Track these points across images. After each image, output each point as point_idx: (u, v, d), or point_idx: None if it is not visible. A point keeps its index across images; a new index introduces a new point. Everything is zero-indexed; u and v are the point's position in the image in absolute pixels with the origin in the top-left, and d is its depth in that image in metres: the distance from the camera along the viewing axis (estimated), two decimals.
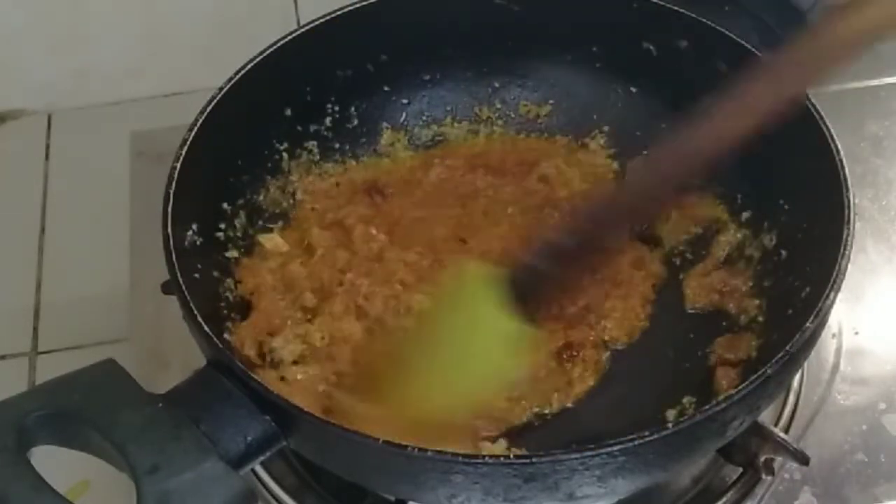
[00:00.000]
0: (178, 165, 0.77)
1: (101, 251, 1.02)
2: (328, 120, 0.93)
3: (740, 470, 0.79)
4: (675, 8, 0.87)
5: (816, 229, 0.78)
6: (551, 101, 0.96)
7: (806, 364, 0.82)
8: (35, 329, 1.00)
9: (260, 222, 0.88)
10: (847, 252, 0.71)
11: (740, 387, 0.65)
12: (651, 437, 0.63)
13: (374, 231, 0.87)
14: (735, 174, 0.87)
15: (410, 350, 0.78)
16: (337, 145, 0.93)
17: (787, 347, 0.67)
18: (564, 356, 0.80)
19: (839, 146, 0.76)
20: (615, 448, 0.62)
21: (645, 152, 0.88)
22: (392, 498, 0.76)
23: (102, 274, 1.00)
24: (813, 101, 0.79)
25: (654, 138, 0.91)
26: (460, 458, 0.63)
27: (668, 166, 0.73)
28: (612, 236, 0.78)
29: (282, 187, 0.90)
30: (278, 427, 0.66)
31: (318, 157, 0.92)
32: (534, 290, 0.74)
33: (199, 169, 0.79)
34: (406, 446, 0.64)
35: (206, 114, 0.81)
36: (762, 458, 0.77)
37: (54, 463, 0.65)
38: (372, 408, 0.74)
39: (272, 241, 0.86)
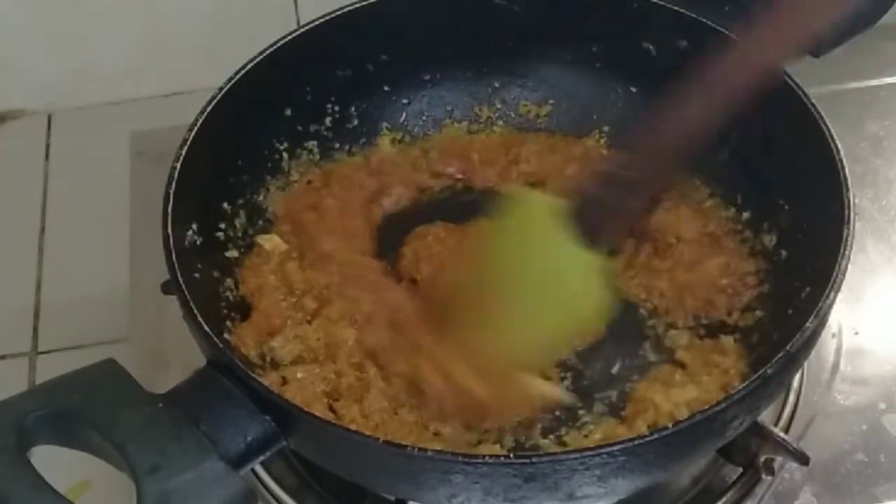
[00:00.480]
0: (178, 165, 0.77)
1: (101, 251, 1.02)
2: (328, 120, 0.93)
3: (740, 470, 0.79)
4: (675, 8, 0.87)
5: (816, 229, 0.78)
6: (551, 101, 0.96)
7: (806, 364, 0.82)
8: (35, 329, 1.00)
9: (260, 222, 0.88)
10: (847, 252, 0.71)
11: (740, 387, 0.65)
12: (651, 437, 0.63)
13: None
14: (735, 174, 0.87)
15: (480, 292, 0.75)
16: (337, 145, 0.93)
17: (787, 347, 0.67)
18: None
19: (839, 146, 0.76)
20: (615, 448, 0.62)
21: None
22: (392, 498, 0.76)
23: (102, 274, 1.00)
24: (813, 101, 0.79)
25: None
26: (460, 458, 0.63)
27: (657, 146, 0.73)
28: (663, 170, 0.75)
29: (282, 187, 0.90)
30: (278, 427, 0.66)
31: (318, 157, 0.92)
32: (600, 221, 0.72)
33: (199, 169, 0.79)
34: (406, 446, 0.64)
35: (206, 114, 0.81)
36: (762, 458, 0.77)
37: (54, 463, 0.65)
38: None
39: (271, 241, 0.86)
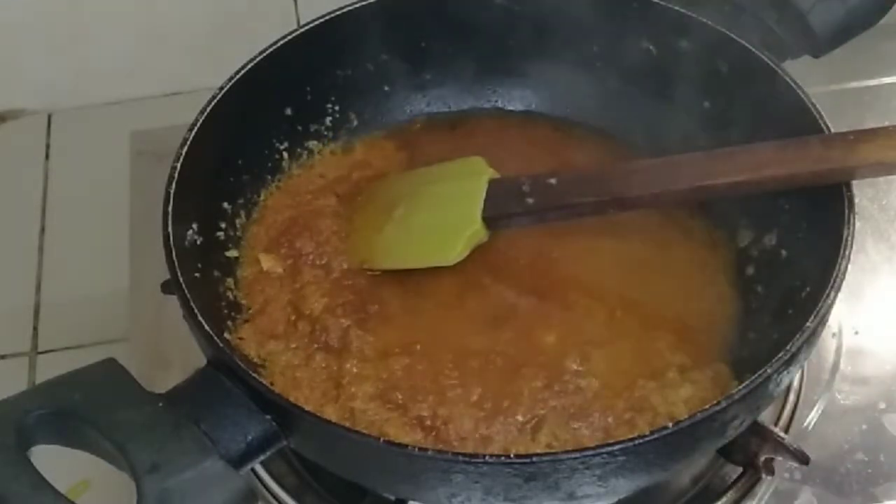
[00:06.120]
0: (178, 165, 0.77)
1: (101, 251, 1.02)
2: (328, 120, 0.93)
3: (740, 470, 0.79)
4: (676, 8, 0.87)
5: (816, 229, 0.78)
6: (551, 101, 0.96)
7: (806, 364, 0.82)
8: (35, 329, 1.00)
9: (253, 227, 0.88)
10: (847, 252, 0.71)
11: (740, 387, 0.66)
12: (651, 437, 0.63)
13: None
14: None
15: (393, 190, 0.88)
16: (336, 145, 0.93)
17: (787, 347, 0.67)
18: None
19: None
20: (615, 447, 0.62)
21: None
22: (392, 498, 0.76)
23: (102, 274, 1.00)
24: (813, 100, 0.79)
25: (655, 138, 0.92)
26: (461, 458, 0.63)
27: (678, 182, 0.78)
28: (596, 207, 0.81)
29: (282, 187, 0.90)
30: (278, 426, 0.66)
31: (318, 157, 0.92)
32: (505, 206, 0.81)
33: (200, 169, 0.79)
34: (406, 446, 0.64)
35: (206, 114, 0.81)
36: (762, 458, 0.77)
37: (54, 462, 0.65)
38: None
39: (269, 260, 0.85)
